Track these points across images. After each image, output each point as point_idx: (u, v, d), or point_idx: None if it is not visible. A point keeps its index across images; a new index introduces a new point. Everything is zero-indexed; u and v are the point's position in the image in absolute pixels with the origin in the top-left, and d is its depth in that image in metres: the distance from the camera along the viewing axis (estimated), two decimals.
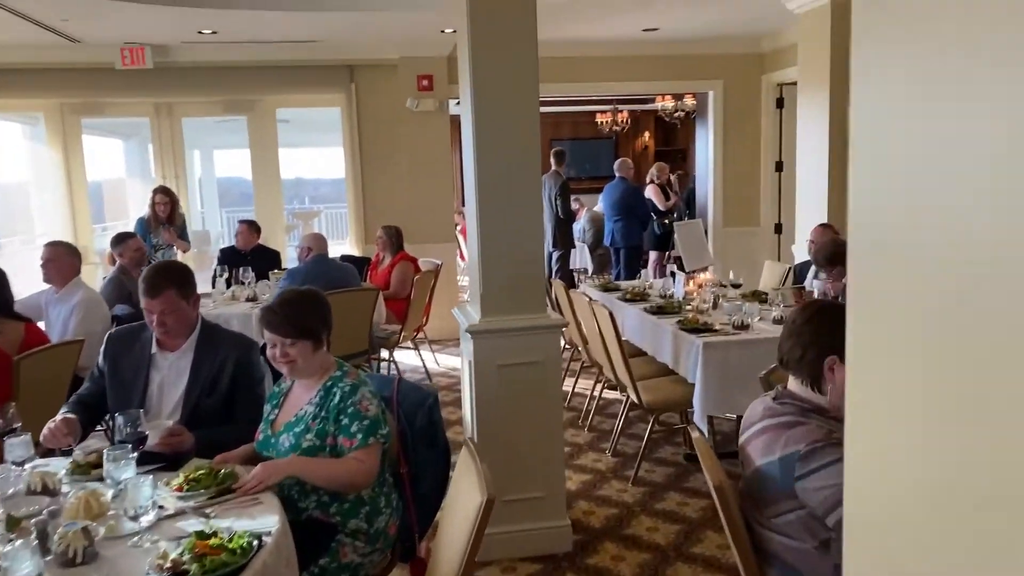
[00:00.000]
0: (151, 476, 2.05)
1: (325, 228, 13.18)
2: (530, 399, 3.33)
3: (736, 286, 5.18)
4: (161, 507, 2.07)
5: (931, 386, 0.73)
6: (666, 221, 8.91)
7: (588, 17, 6.29)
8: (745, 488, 2.04)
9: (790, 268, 5.58)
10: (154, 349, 2.73)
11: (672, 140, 14.18)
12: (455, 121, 8.16)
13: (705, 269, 6.90)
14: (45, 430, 2.46)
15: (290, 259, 7.28)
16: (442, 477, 2.60)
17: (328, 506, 2.35)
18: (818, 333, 1.96)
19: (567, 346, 5.71)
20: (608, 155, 13.17)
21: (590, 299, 4.58)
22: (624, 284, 5.89)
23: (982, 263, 0.67)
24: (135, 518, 1.94)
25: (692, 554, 3.42)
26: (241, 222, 6.68)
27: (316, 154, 12.75)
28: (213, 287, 5.77)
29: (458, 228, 9.09)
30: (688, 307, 4.63)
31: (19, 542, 1.75)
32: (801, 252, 6.04)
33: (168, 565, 1.75)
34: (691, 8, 6.19)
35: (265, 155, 7.80)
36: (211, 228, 11.21)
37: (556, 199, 8.24)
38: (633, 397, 4.24)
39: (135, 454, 2.19)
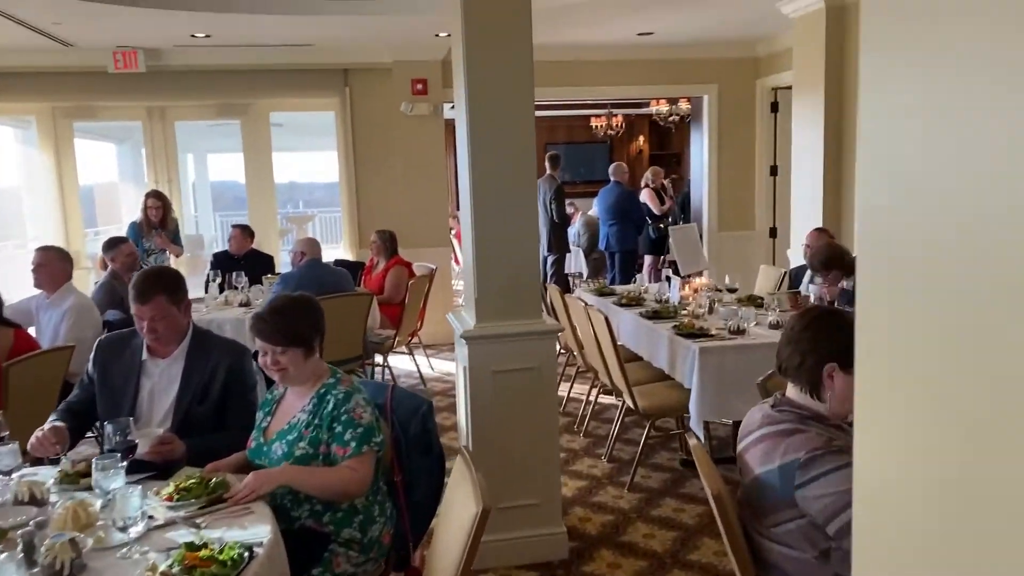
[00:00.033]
0: (140, 486, 2.02)
1: (319, 232, 13.13)
2: (525, 405, 3.31)
3: (732, 291, 5.16)
4: (151, 517, 2.03)
5: (941, 391, 0.71)
6: (661, 225, 8.90)
7: (583, 21, 6.28)
8: (744, 497, 2.01)
9: (785, 272, 5.57)
10: (145, 356, 2.69)
11: (667, 144, 14.19)
12: (450, 125, 8.11)
13: (700, 273, 6.89)
14: (33, 439, 2.42)
15: (284, 263, 7.24)
16: (437, 485, 2.57)
17: (321, 515, 2.32)
18: (817, 340, 1.94)
19: (562, 351, 5.68)
20: (603, 159, 13.17)
21: (586, 304, 4.56)
22: (619, 288, 5.87)
23: (992, 269, 0.66)
24: (124, 529, 1.90)
25: (689, 561, 3.39)
26: (234, 226, 6.65)
27: (310, 158, 12.72)
28: (206, 292, 5.73)
29: (453, 232, 9.06)
30: (684, 312, 4.61)
31: (4, 554, 1.72)
32: (796, 256, 6.03)
33: None
34: (686, 12, 6.19)
35: (259, 159, 7.77)
36: (205, 232, 11.13)
37: (551, 203, 8.22)
38: (629, 402, 4.21)
39: (124, 463, 2.16)
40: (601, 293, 5.62)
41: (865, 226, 0.78)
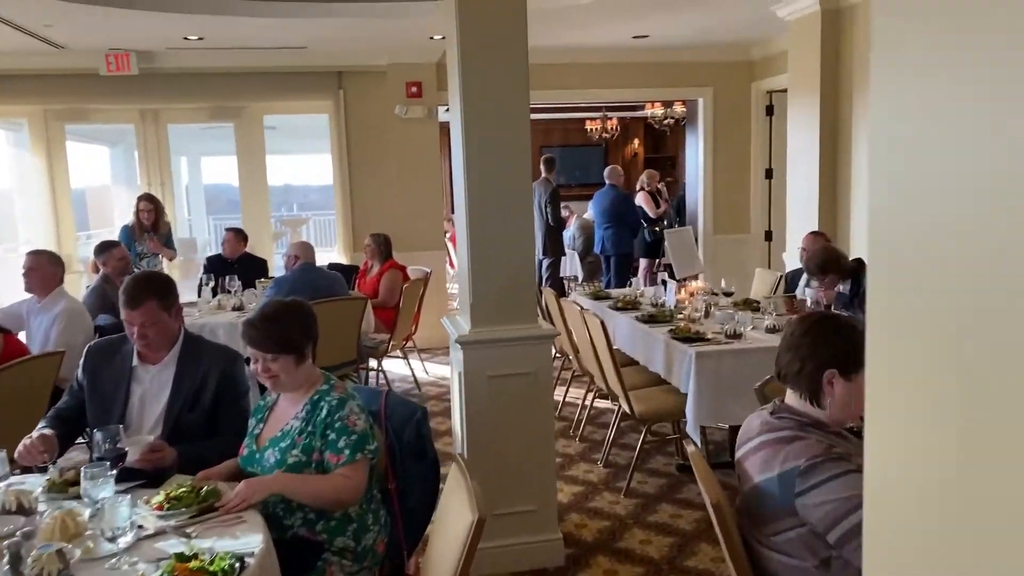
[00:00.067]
0: (129, 495, 1.98)
1: (313, 235, 13.10)
2: (521, 411, 3.28)
3: (728, 294, 5.15)
4: (140, 527, 2.00)
5: (952, 395, 0.70)
6: (656, 228, 8.89)
7: (578, 24, 6.27)
8: (743, 505, 1.99)
9: (781, 276, 5.56)
10: (135, 362, 2.66)
11: (661, 147, 14.19)
12: (444, 128, 8.10)
13: (695, 276, 6.87)
14: (20, 447, 2.38)
15: (277, 267, 7.20)
16: (431, 492, 2.54)
17: (314, 524, 2.29)
18: (816, 346, 1.92)
19: (558, 355, 5.65)
20: (598, 162, 13.16)
21: (581, 308, 4.53)
22: (615, 292, 5.85)
23: (1006, 274, 0.64)
24: (113, 539, 1.87)
25: (686, 567, 3.36)
26: (228, 230, 6.60)
27: (305, 161, 12.68)
28: (199, 296, 5.69)
29: (448, 236, 9.03)
30: (680, 316, 4.59)
31: None
32: (792, 260, 6.02)
33: None
34: (681, 16, 6.18)
35: (252, 162, 7.73)
36: (198, 235, 11.10)
37: (546, 206, 8.20)
38: (625, 407, 4.19)
39: (114, 472, 2.13)
40: (597, 297, 5.60)
41: (876, 227, 0.76)
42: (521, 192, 3.24)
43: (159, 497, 2.12)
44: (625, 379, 4.16)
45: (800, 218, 6.13)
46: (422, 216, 7.38)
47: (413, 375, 6.26)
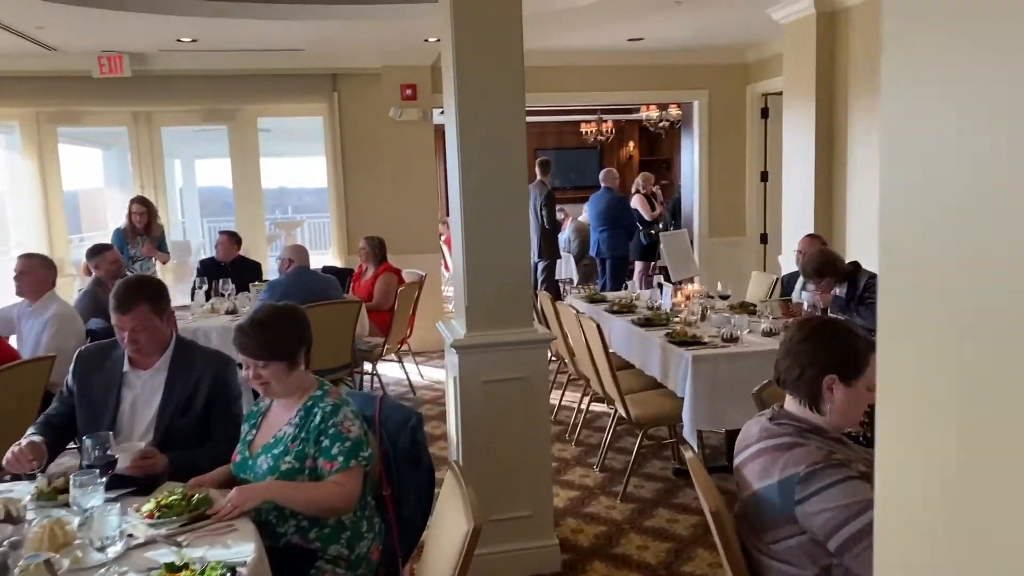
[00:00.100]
0: (119, 504, 1.95)
1: (308, 238, 13.06)
2: (516, 416, 3.25)
3: (724, 297, 5.13)
4: (131, 536, 1.97)
5: (965, 398, 0.68)
6: (652, 231, 8.88)
7: (574, 27, 6.25)
8: (741, 512, 1.96)
9: (777, 279, 5.55)
10: (126, 367, 2.62)
11: (656, 150, 14.19)
12: (439, 130, 8.08)
13: (692, 280, 6.86)
14: (9, 454, 2.34)
15: (271, 270, 7.16)
16: (426, 498, 2.51)
17: (307, 531, 2.26)
18: (816, 351, 1.90)
19: (553, 358, 5.63)
20: (593, 165, 13.15)
21: (577, 311, 4.51)
22: (611, 295, 5.82)
23: (1021, 280, 0.62)
24: (102, 549, 1.84)
25: (683, 573, 3.34)
26: (221, 233, 6.57)
27: (299, 163, 12.65)
28: (192, 299, 5.65)
29: (443, 238, 9.00)
30: (676, 319, 4.57)
31: None
32: (787, 262, 6.01)
33: None
34: (676, 18, 6.16)
35: (246, 165, 7.69)
36: (192, 238, 11.05)
37: (541, 209, 8.18)
38: (621, 411, 4.16)
39: (103, 479, 2.09)
40: (592, 300, 5.58)
41: (887, 229, 0.74)
42: (517, 195, 3.21)
43: (150, 505, 2.09)
44: (621, 383, 4.14)
45: (795, 221, 6.12)
46: (417, 219, 7.35)
47: (408, 379, 6.23)
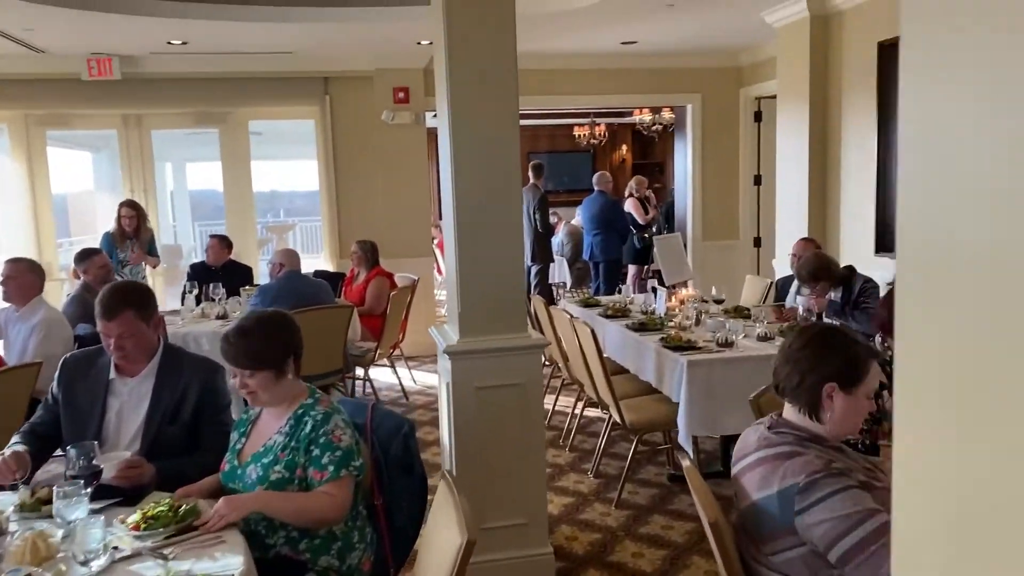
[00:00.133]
0: (103, 516, 1.90)
1: (300, 241, 12.99)
2: (510, 422, 3.21)
3: (719, 301, 5.11)
4: (115, 548, 1.92)
5: (984, 404, 0.66)
6: (645, 235, 8.86)
7: (567, 30, 6.23)
8: (740, 523, 1.93)
9: (771, 283, 5.52)
10: (112, 374, 2.58)
11: (649, 153, 14.19)
12: (432, 133, 8.04)
13: (685, 283, 6.84)
14: None
15: (262, 274, 7.10)
16: (419, 507, 2.48)
17: (297, 542, 2.21)
18: (816, 359, 1.87)
19: (547, 363, 5.59)
20: (586, 168, 13.13)
21: (571, 316, 4.47)
22: (605, 300, 5.79)
23: None
24: (85, 563, 1.79)
25: None
26: (212, 237, 6.51)
27: (291, 166, 12.58)
28: (182, 304, 5.59)
29: (435, 242, 8.96)
30: (670, 323, 4.54)
31: None
32: (781, 266, 5.99)
33: None
34: (669, 22, 6.15)
35: (237, 168, 7.63)
36: (183, 242, 10.98)
37: (535, 213, 8.15)
38: (616, 416, 4.13)
39: (88, 490, 2.04)
40: (586, 304, 5.54)
41: (906, 230, 0.72)
42: (510, 198, 3.18)
43: (136, 516, 2.04)
44: (616, 388, 4.11)
45: (789, 224, 6.10)
46: (409, 223, 7.31)
47: (400, 384, 6.18)
